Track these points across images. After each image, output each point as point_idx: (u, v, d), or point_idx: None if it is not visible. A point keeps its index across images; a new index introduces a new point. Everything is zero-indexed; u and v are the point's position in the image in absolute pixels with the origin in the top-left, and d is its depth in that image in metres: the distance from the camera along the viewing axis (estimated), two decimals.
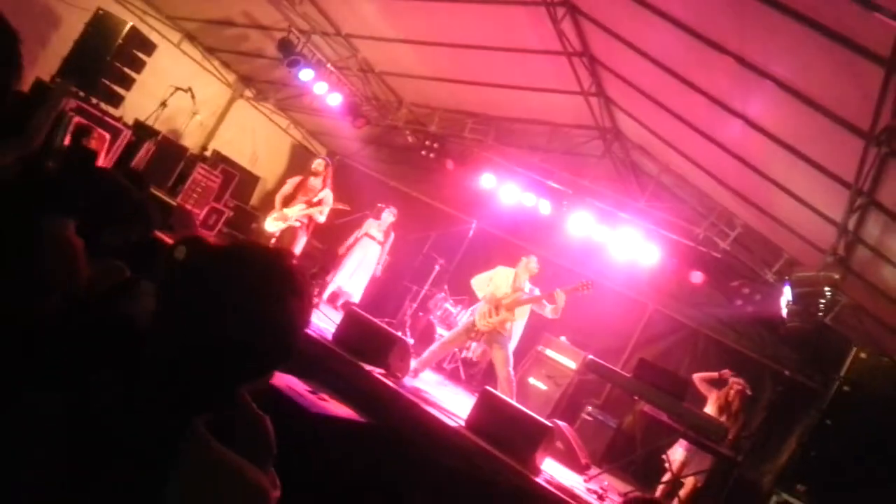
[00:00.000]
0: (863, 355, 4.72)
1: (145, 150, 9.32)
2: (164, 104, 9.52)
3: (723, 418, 7.41)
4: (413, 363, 6.97)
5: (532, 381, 9.04)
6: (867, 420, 4.63)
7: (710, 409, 7.64)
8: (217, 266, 1.23)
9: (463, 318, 9.49)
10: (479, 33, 7.61)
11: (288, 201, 8.53)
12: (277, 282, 1.24)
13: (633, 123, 8.34)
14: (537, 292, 7.14)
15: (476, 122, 9.91)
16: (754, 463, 8.62)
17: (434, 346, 7.28)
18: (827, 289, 6.16)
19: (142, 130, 9.41)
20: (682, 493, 7.40)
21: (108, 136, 8.09)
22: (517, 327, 7.11)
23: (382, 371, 6.27)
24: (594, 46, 7.21)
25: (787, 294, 6.95)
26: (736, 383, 7.65)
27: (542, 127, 9.40)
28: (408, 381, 6.72)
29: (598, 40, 7.04)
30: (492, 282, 7.27)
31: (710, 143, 7.04)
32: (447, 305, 9.74)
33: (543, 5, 6.59)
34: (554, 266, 9.75)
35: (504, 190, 9.77)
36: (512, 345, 7.07)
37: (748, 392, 7.65)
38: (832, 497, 4.50)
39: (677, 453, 7.47)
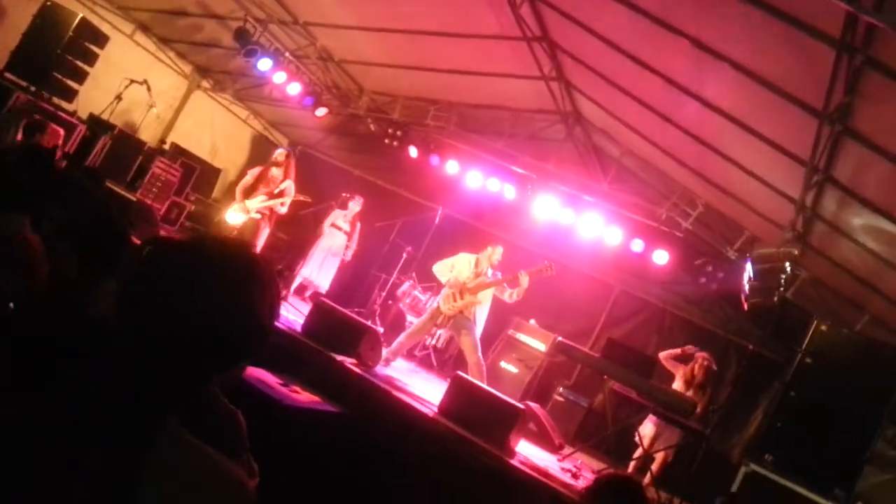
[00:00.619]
0: (823, 328, 4.85)
1: (101, 145, 9.13)
2: (119, 97, 9.29)
3: (690, 393, 7.56)
4: (384, 352, 6.97)
5: (503, 364, 9.10)
6: (829, 390, 4.76)
7: (677, 385, 7.79)
8: (180, 259, 1.21)
9: (430, 305, 9.52)
10: (439, 20, 7.57)
11: (249, 192, 8.37)
12: (242, 272, 1.23)
13: (594, 107, 8.39)
14: (499, 275, 7.19)
15: (438, 108, 9.88)
16: (723, 436, 8.83)
17: (402, 336, 7.29)
18: (787, 264, 6.31)
19: (97, 125, 9.20)
20: (654, 467, 7.54)
21: (61, 131, 7.90)
22: (481, 312, 7.15)
23: (353, 360, 6.26)
24: (553, 31, 7.23)
25: (748, 270, 7.11)
26: (701, 357, 7.81)
27: (505, 112, 9.42)
28: (379, 369, 6.72)
29: (557, 25, 7.06)
30: (454, 268, 7.30)
31: (668, 125, 7.12)
32: (416, 293, 9.74)
33: None
34: (520, 250, 9.81)
35: (468, 176, 9.78)
36: (478, 330, 7.11)
37: (713, 366, 7.81)
38: (798, 465, 4.63)
39: (647, 429, 7.61)
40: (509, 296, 7.10)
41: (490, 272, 7.24)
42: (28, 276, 1.87)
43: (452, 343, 9.39)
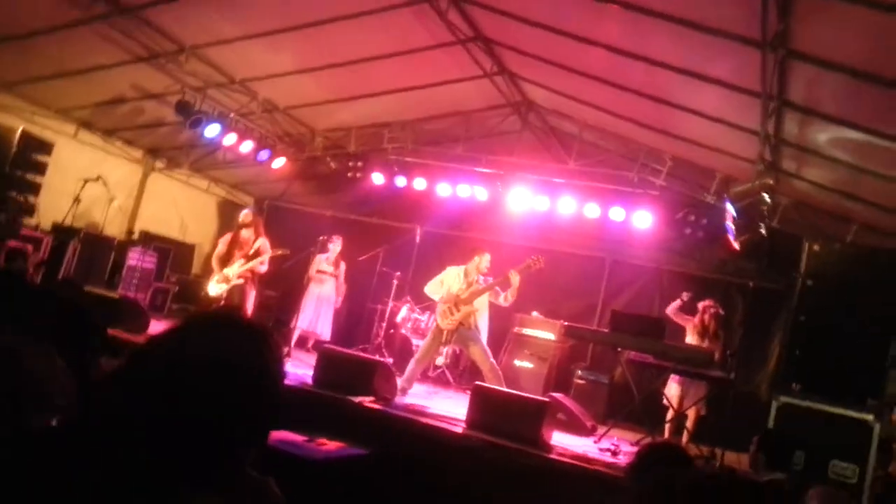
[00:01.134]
0: (816, 248, 4.89)
1: (71, 251, 9.07)
2: (77, 199, 9.21)
3: (705, 343, 7.59)
4: (399, 382, 6.94)
5: (517, 363, 9.08)
6: (837, 306, 4.79)
7: (690, 339, 7.82)
8: (179, 347, 1.19)
9: (431, 324, 9.50)
10: (372, 45, 7.60)
11: (225, 261, 8.31)
12: (245, 341, 1.22)
13: (543, 91, 8.44)
14: (490, 280, 7.18)
15: (392, 130, 9.90)
16: (746, 376, 8.84)
17: (412, 363, 7.24)
18: (765, 195, 6.37)
19: (62, 232, 9.14)
20: (688, 424, 7.55)
21: (29, 247, 7.84)
22: (482, 319, 7.14)
23: (371, 398, 6.22)
24: (485, 28, 7.28)
25: (729, 210, 7.17)
26: (706, 306, 7.84)
27: (458, 117, 9.44)
28: (399, 400, 6.68)
29: (487, 21, 7.11)
30: (444, 283, 7.29)
31: (619, 91, 7.17)
32: (415, 315, 9.72)
33: (425, 2, 6.61)
34: (506, 247, 9.80)
35: (437, 188, 9.80)
36: (483, 337, 7.09)
37: (720, 311, 7.84)
38: (826, 387, 4.65)
39: (672, 389, 7.62)
40: (504, 299, 7.08)
41: (481, 279, 7.23)
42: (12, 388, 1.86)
43: (462, 356, 9.36)
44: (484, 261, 7.28)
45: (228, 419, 1.16)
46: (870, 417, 4.38)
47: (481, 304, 7.13)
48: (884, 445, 4.47)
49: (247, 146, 9.54)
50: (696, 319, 7.86)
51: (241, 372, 1.20)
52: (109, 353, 2.38)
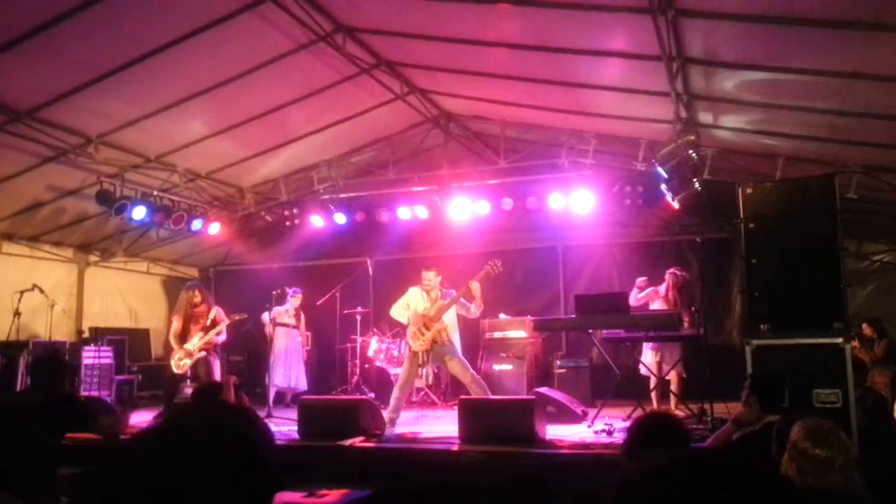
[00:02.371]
0: (749, 190, 5.02)
1: (24, 364, 8.74)
2: (17, 313, 8.92)
3: (675, 309, 7.73)
4: (385, 414, 6.87)
5: (497, 367, 9.11)
6: (783, 241, 4.94)
7: (657, 306, 7.96)
8: (169, 450, 1.18)
9: (404, 350, 9.45)
10: (277, 93, 7.58)
11: (183, 337, 8.19)
12: (234, 419, 1.21)
13: (456, 100, 8.55)
14: (454, 293, 7.15)
15: (320, 171, 9.87)
16: (717, 329, 9.05)
17: (395, 392, 7.15)
18: (690, 152, 6.54)
19: (8, 348, 8.84)
20: (673, 388, 7.67)
21: None
22: (454, 334, 7.10)
23: (361, 438, 6.15)
24: (385, 53, 7.33)
25: (660, 173, 7.35)
26: (669, 275, 8.01)
27: (382, 143, 9.47)
28: (390, 432, 6.62)
29: (385, 46, 7.16)
30: (409, 305, 7.23)
31: (529, 84, 7.29)
32: (386, 345, 9.67)
33: (321, 40, 6.62)
34: (462, 258, 9.87)
35: (379, 217, 9.78)
36: (458, 350, 7.06)
37: (680, 273, 8.01)
38: (792, 321, 4.78)
39: (648, 357, 7.74)
40: (473, 310, 7.03)
41: (442, 293, 7.20)
42: None
43: (442, 373, 9.33)
44: (430, 275, 7.18)
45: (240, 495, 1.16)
46: (839, 340, 4.52)
47: (450, 319, 7.09)
48: (855, 363, 4.61)
49: (178, 220, 9.36)
50: (662, 287, 8.00)
51: (246, 448, 1.20)
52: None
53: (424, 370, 8.67)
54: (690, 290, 8.10)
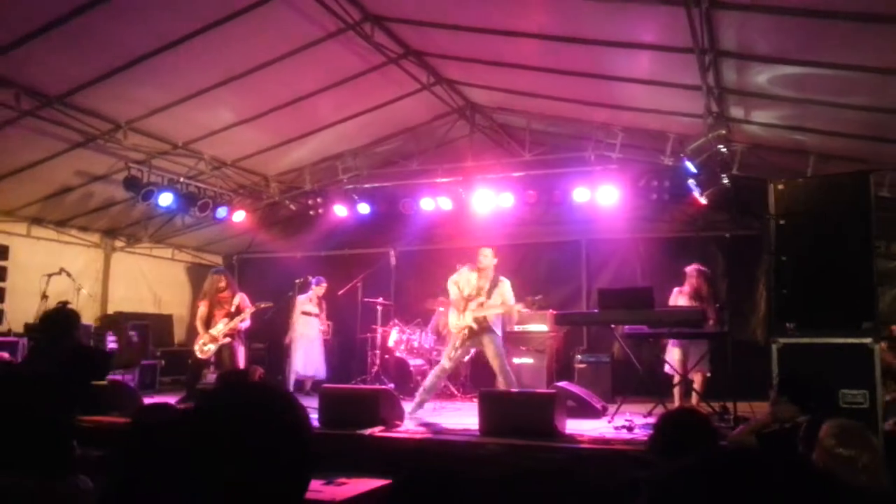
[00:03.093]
0: (780, 186, 4.93)
1: None
2: (44, 296, 9.05)
3: (702, 305, 7.62)
4: (417, 396, 6.94)
5: (517, 360, 9.05)
6: (814, 239, 4.84)
7: (680, 302, 7.87)
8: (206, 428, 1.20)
9: (424, 340, 9.48)
10: (304, 82, 7.59)
11: (208, 322, 8.36)
12: (281, 403, 1.25)
13: (483, 91, 8.50)
14: (506, 289, 7.14)
15: (344, 161, 9.89)
16: (741, 326, 8.92)
17: (431, 377, 7.24)
18: (720, 146, 6.45)
19: (35, 332, 8.96)
20: (696, 386, 7.58)
21: (4, 354, 7.68)
22: (496, 321, 7.18)
23: (381, 427, 6.16)
24: (413, 42, 7.30)
25: (689, 168, 7.25)
26: (690, 271, 7.90)
27: (407, 134, 9.46)
28: (410, 421, 6.62)
29: (413, 36, 7.13)
30: (458, 284, 7.27)
31: (557, 76, 7.23)
32: (406, 336, 9.69)
33: (349, 29, 6.62)
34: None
35: (403, 207, 9.79)
36: (498, 338, 7.09)
37: (702, 269, 7.90)
38: (820, 319, 4.69)
39: (674, 354, 7.64)
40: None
41: (488, 278, 7.17)
42: None
43: (462, 365, 9.29)
44: (487, 253, 7.21)
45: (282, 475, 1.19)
46: (868, 340, 4.43)
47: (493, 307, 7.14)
48: (883, 367, 4.52)
49: (203, 208, 9.44)
50: (686, 284, 7.90)
51: (290, 431, 1.23)
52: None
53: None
54: (715, 287, 8.00)
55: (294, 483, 1.23)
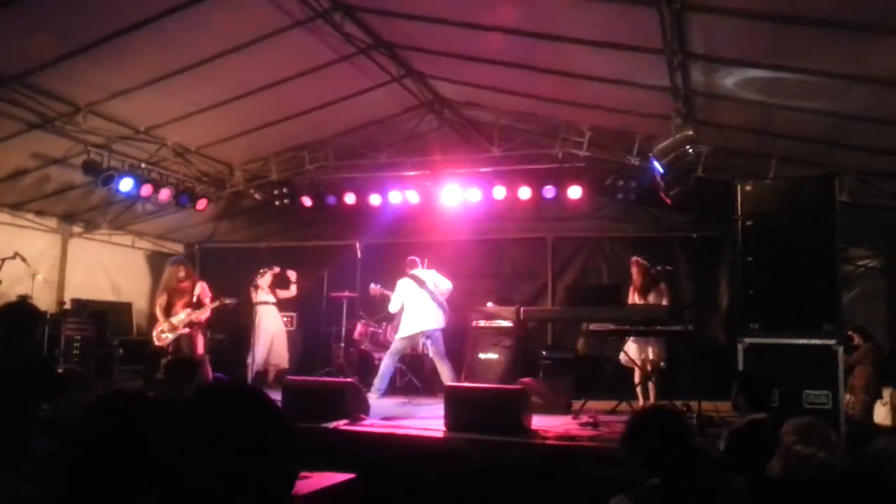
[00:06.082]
0: (748, 188, 5.01)
1: None
2: None
3: (646, 299, 7.70)
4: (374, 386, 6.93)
5: (482, 356, 9.08)
6: (779, 241, 4.93)
7: (632, 298, 7.96)
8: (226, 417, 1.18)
9: (390, 334, 9.46)
10: (272, 70, 7.45)
11: (168, 310, 8.21)
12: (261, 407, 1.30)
13: (452, 85, 8.45)
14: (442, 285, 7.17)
15: (311, 150, 9.75)
16: (703, 325, 9.07)
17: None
18: (687, 147, 6.51)
19: None
20: (656, 379, 7.68)
21: None
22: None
23: (345, 421, 6.11)
24: (383, 33, 7.22)
25: (656, 168, 7.30)
26: (632, 262, 7.99)
27: (375, 126, 9.35)
28: (374, 416, 6.59)
29: (383, 26, 7.05)
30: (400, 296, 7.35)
31: (527, 71, 7.21)
32: (371, 329, 9.65)
33: (318, 18, 6.52)
34: (451, 244, 9.84)
35: (370, 200, 9.73)
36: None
37: (641, 261, 7.98)
38: (784, 320, 4.78)
39: (632, 350, 7.72)
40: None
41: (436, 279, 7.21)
42: None
43: (426, 359, 9.28)
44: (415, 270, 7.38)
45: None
46: (832, 342, 4.53)
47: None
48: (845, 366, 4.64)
49: (164, 194, 9.23)
50: (633, 283, 7.99)
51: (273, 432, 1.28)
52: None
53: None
54: (667, 282, 8.07)
55: (285, 476, 1.23)
